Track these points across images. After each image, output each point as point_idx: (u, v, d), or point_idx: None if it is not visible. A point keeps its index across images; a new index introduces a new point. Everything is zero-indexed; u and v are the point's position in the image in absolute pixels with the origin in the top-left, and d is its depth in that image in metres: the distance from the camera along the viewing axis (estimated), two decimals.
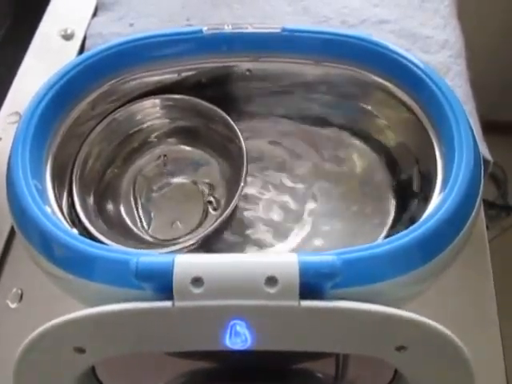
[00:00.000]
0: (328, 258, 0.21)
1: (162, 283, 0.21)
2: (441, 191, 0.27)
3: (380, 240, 0.32)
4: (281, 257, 0.21)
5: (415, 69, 0.29)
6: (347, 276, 0.22)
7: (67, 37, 0.50)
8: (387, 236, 0.32)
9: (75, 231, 0.27)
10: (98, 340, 0.23)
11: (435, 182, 0.28)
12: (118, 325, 0.22)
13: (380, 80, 0.31)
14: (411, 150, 0.32)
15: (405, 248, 0.24)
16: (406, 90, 0.30)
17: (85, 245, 0.25)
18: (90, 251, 0.24)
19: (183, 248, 0.28)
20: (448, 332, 0.22)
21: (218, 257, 0.22)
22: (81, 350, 0.23)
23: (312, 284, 0.21)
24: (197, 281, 0.20)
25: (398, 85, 0.30)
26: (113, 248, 0.25)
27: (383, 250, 0.24)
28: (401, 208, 0.32)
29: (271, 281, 0.20)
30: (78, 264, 0.24)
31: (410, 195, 0.32)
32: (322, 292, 0.22)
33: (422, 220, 0.25)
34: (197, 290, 0.20)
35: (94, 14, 0.52)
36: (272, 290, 0.20)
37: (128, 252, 0.24)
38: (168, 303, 0.21)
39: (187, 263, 0.21)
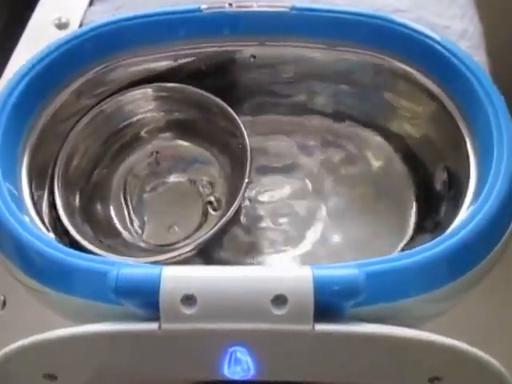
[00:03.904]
0: (349, 271, 0.17)
1: (146, 301, 0.18)
2: (475, 195, 0.24)
3: (399, 248, 0.29)
4: (291, 271, 0.18)
5: (445, 52, 0.26)
6: (370, 292, 0.19)
7: (61, 26, 0.48)
8: (408, 244, 0.29)
9: (51, 235, 0.25)
10: (72, 366, 0.20)
11: (467, 184, 0.25)
12: (94, 349, 0.20)
13: (402, 66, 0.28)
14: (437, 146, 0.29)
15: (435, 260, 0.21)
16: (432, 76, 0.27)
17: (60, 253, 0.22)
18: (66, 260, 0.22)
19: (180, 254, 0.26)
20: (493, 360, 0.18)
21: (213, 270, 0.19)
22: (52, 377, 0.20)
23: (329, 303, 0.18)
24: (188, 299, 0.18)
25: (423, 71, 0.27)
26: (91, 257, 0.22)
27: (410, 263, 0.21)
28: (423, 211, 0.30)
29: (279, 300, 0.17)
30: (53, 275, 0.22)
31: (434, 197, 0.29)
32: (341, 312, 0.19)
33: (453, 228, 0.23)
34: (188, 311, 0.18)
35: (91, 3, 0.49)
36: (280, 312, 0.17)
37: (109, 262, 0.21)
38: (154, 325, 0.18)
39: (177, 277, 0.18)
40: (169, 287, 0.17)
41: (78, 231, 0.27)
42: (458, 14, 0.45)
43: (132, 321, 0.18)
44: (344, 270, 0.18)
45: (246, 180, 0.27)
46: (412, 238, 0.29)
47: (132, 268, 0.19)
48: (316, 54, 0.29)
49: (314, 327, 0.17)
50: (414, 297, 0.21)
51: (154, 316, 0.18)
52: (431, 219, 0.28)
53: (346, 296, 0.17)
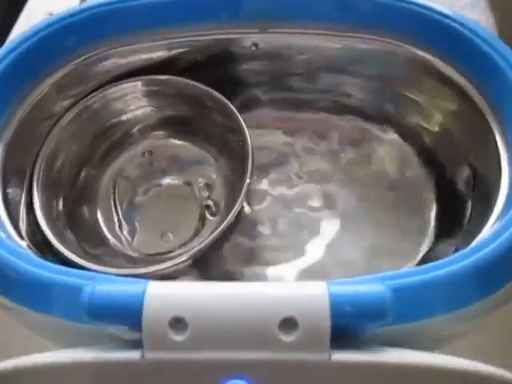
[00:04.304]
0: (373, 288, 0.15)
1: (126, 325, 0.16)
2: (508, 198, 0.22)
3: (419, 257, 0.27)
4: (302, 288, 0.15)
5: (468, 33, 0.24)
6: (396, 312, 0.16)
7: None
8: (429, 252, 0.27)
9: (23, 244, 0.22)
10: None
11: (497, 184, 0.23)
12: (67, 380, 0.17)
13: (422, 53, 0.26)
14: (459, 142, 0.27)
15: (468, 274, 0.19)
16: (453, 62, 0.25)
17: (30, 265, 0.20)
18: (37, 274, 0.19)
19: (172, 266, 0.24)
20: None
21: (209, 287, 0.16)
22: None
23: (349, 327, 0.15)
24: (178, 322, 0.15)
25: (442, 56, 0.25)
26: (66, 269, 0.20)
27: (441, 276, 0.18)
28: (445, 215, 0.28)
29: (288, 324, 0.15)
30: (24, 291, 0.20)
31: (457, 199, 0.27)
32: (362, 336, 0.16)
33: (488, 236, 0.20)
34: (177, 337, 0.15)
35: None
36: (289, 338, 0.15)
37: (86, 275, 0.19)
38: (135, 354, 0.15)
39: (164, 295, 0.15)
40: (154, 308, 0.15)
41: (59, 239, 0.25)
42: (469, 5, 0.44)
43: (113, 347, 0.16)
44: (367, 287, 0.15)
45: (248, 181, 0.25)
46: (433, 246, 0.27)
47: (111, 284, 0.16)
48: (324, 42, 0.27)
49: (330, 356, 0.15)
50: (441, 315, 0.18)
51: (136, 343, 0.15)
52: (454, 224, 0.26)
53: (370, 318, 0.15)
